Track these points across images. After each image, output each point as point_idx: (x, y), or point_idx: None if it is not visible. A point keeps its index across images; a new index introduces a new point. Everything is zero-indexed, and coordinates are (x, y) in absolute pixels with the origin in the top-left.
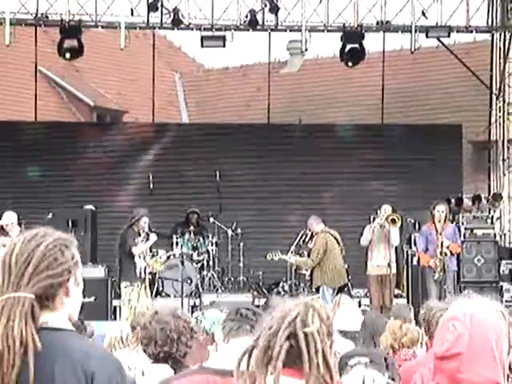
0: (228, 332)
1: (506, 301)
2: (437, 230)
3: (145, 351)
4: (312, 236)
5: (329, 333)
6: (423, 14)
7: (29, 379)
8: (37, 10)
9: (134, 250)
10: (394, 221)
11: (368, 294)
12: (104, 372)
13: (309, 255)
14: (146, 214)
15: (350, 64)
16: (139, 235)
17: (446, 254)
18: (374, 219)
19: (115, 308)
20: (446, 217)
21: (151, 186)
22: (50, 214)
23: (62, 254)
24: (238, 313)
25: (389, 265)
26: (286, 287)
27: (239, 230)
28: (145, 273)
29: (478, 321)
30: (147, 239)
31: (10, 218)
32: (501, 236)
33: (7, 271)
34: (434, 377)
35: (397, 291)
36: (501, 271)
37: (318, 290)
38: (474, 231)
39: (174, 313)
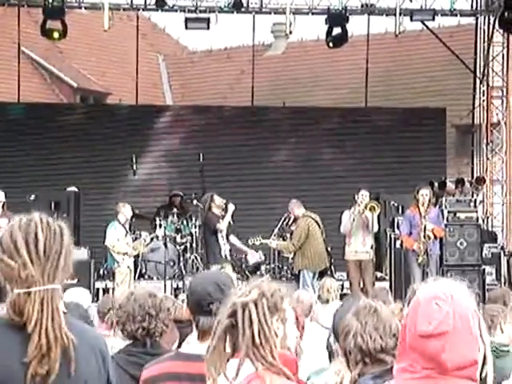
0: None
1: (488, 284)
2: (420, 214)
3: (122, 331)
4: (295, 219)
5: (272, 308)
6: None
7: (69, 369)
8: None
9: (220, 226)
10: (373, 208)
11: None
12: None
13: (291, 238)
14: (214, 192)
15: (331, 45)
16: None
17: (429, 238)
18: (351, 206)
19: (98, 290)
20: (429, 200)
21: (134, 167)
22: (33, 196)
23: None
24: None
25: (367, 250)
26: (269, 270)
27: (222, 213)
28: (230, 254)
29: (458, 300)
30: (225, 212)
31: None
32: (483, 219)
33: (37, 260)
34: (401, 358)
35: (380, 274)
36: (483, 254)
37: (299, 273)
38: (457, 214)
39: (150, 292)
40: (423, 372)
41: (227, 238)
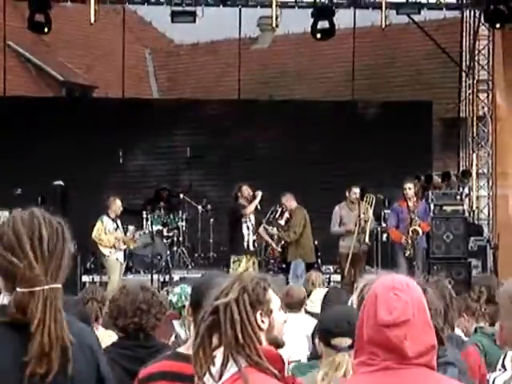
0: None
1: (474, 277)
2: (409, 208)
3: (114, 325)
4: (282, 212)
5: (255, 303)
6: None
7: (66, 369)
8: None
9: (246, 211)
10: (416, 231)
11: (339, 271)
12: (96, 343)
13: (278, 230)
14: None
15: (318, 36)
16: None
17: (417, 233)
18: (340, 201)
19: (84, 283)
20: (416, 194)
21: (121, 161)
22: (19, 190)
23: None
24: None
25: (360, 244)
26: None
27: (209, 207)
28: (254, 245)
29: (413, 289)
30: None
31: None
32: (470, 213)
33: (40, 257)
34: (359, 353)
35: (367, 267)
36: (469, 247)
37: (288, 265)
38: (444, 208)
39: (142, 285)
40: (382, 364)
41: (257, 228)
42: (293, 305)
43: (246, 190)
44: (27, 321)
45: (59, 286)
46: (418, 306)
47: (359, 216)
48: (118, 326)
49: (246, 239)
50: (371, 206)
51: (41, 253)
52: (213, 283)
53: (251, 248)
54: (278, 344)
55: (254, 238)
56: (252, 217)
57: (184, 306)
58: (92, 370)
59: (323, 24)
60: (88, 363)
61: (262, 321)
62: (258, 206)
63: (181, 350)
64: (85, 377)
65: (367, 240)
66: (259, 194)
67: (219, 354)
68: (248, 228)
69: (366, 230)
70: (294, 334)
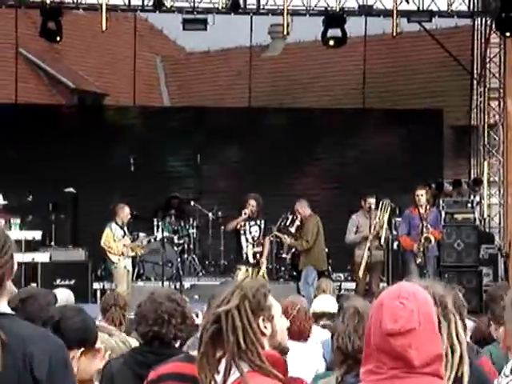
0: None
1: (485, 285)
2: (420, 215)
3: (136, 330)
4: (293, 220)
5: (256, 309)
6: None
7: None
8: None
9: (228, 226)
10: (428, 239)
11: (349, 279)
12: (43, 352)
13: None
14: (254, 197)
15: (331, 43)
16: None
17: (429, 241)
18: (352, 211)
19: (95, 291)
20: (427, 201)
21: (132, 168)
22: (30, 197)
23: (8, 237)
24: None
25: (378, 252)
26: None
27: (220, 214)
28: (254, 258)
29: (420, 298)
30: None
31: None
32: (481, 221)
33: None
34: (366, 360)
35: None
36: (480, 256)
37: (299, 272)
38: (455, 216)
39: (169, 295)
40: (389, 372)
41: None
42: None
43: (253, 206)
44: None
45: None
46: (424, 314)
47: (374, 221)
48: (139, 333)
49: (244, 251)
50: (387, 211)
51: None
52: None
53: (251, 260)
54: (282, 350)
55: (256, 249)
56: (254, 228)
57: None
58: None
59: (334, 32)
60: (19, 370)
61: (265, 326)
62: (242, 224)
63: (195, 352)
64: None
65: (382, 242)
66: (245, 211)
67: (223, 362)
68: (247, 240)
69: (380, 235)
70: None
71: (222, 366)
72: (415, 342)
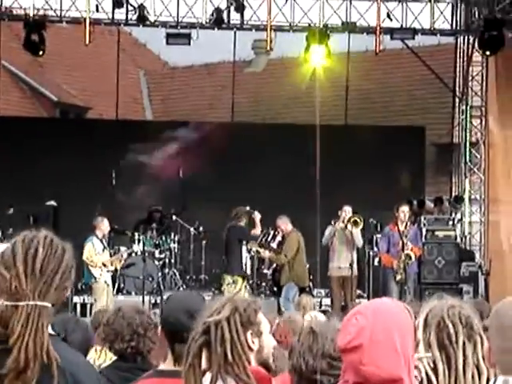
0: None
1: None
2: (400, 232)
3: (110, 348)
4: (275, 235)
5: (246, 323)
6: (388, 16)
7: None
8: (1, 3)
9: (256, 231)
10: (356, 222)
11: (330, 295)
12: (89, 379)
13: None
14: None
15: (314, 59)
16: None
17: (410, 257)
18: (335, 222)
19: (75, 304)
20: (408, 218)
21: (114, 182)
22: (11, 210)
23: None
24: None
25: (350, 266)
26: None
27: (201, 229)
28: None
29: (380, 315)
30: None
31: None
32: (462, 238)
33: (31, 274)
34: (343, 374)
35: (358, 291)
36: (461, 273)
37: (280, 288)
38: (436, 233)
39: (137, 308)
40: None
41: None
42: None
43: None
44: (8, 335)
45: (47, 304)
46: (382, 331)
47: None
48: (114, 349)
49: (244, 262)
50: (355, 224)
51: (32, 269)
52: (181, 310)
53: (243, 269)
54: (268, 366)
55: (246, 262)
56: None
57: None
58: None
59: (318, 48)
60: None
61: (253, 341)
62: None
63: (162, 367)
64: None
65: (354, 259)
66: (258, 215)
67: (208, 374)
68: (247, 250)
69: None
70: None
71: (206, 380)
72: (366, 358)
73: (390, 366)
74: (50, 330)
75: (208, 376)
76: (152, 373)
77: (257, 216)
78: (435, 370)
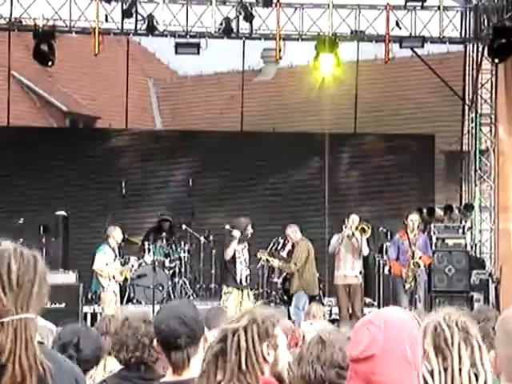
0: None
1: (473, 310)
2: (409, 240)
3: (116, 357)
4: (284, 244)
5: (263, 334)
6: (397, 24)
7: None
8: (10, 14)
9: (227, 253)
10: (363, 230)
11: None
12: (82, 378)
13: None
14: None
15: (323, 68)
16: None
17: (418, 266)
18: (342, 229)
19: (86, 314)
20: (418, 227)
21: (123, 191)
22: (22, 220)
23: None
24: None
25: (360, 274)
26: (257, 295)
27: (211, 238)
28: (246, 280)
29: (392, 324)
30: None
31: None
32: (472, 246)
33: (9, 290)
34: (348, 382)
35: (368, 300)
36: (471, 281)
37: (290, 297)
38: (446, 241)
39: (144, 318)
40: None
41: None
42: None
43: (250, 230)
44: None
45: (31, 315)
46: (393, 341)
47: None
48: (119, 359)
49: (239, 273)
50: (363, 232)
51: (9, 284)
52: (171, 317)
53: (243, 282)
54: (281, 379)
55: (247, 273)
56: (245, 251)
57: None
58: None
59: (327, 57)
60: None
61: (268, 353)
62: (237, 248)
63: (165, 379)
64: None
65: (361, 268)
66: (236, 234)
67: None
68: (241, 263)
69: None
70: None
71: None
72: (379, 368)
73: (402, 375)
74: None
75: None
76: None
77: (234, 236)
78: (431, 372)
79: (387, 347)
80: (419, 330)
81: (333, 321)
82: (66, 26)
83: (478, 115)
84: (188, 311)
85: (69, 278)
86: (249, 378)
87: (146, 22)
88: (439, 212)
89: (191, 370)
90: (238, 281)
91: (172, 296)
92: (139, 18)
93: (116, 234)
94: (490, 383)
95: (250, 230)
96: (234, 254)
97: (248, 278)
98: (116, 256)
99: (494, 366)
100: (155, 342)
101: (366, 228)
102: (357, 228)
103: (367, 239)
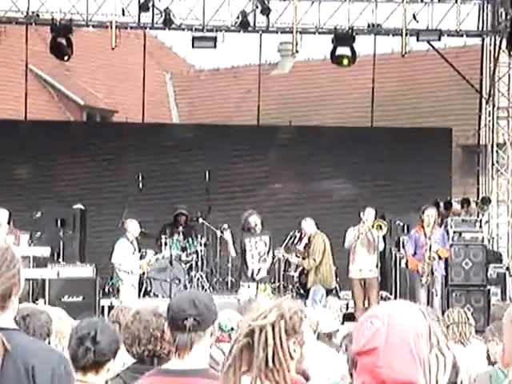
0: None
1: (493, 304)
2: (425, 234)
3: (128, 351)
4: (301, 238)
5: (290, 330)
6: (414, 17)
7: None
8: (28, 8)
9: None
10: (379, 227)
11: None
12: (45, 364)
13: (297, 256)
14: (252, 213)
15: (343, 62)
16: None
17: (434, 259)
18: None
19: (103, 307)
20: (434, 221)
21: (140, 185)
22: (39, 213)
23: (13, 254)
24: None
25: (376, 267)
26: (274, 289)
27: (228, 231)
28: (258, 272)
29: (396, 317)
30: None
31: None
32: (489, 240)
33: None
34: (357, 376)
35: (385, 293)
36: (488, 275)
37: (306, 291)
38: (463, 235)
39: (155, 311)
40: None
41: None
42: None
43: (254, 223)
44: None
45: None
46: (399, 334)
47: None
48: (132, 353)
49: (250, 267)
50: (379, 228)
51: None
52: (185, 299)
53: (255, 277)
54: (306, 377)
55: (260, 266)
56: (260, 244)
57: (233, 329)
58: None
59: (344, 50)
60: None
61: (295, 350)
62: (248, 241)
63: (166, 366)
64: None
65: (377, 262)
66: (226, 237)
67: (247, 377)
68: (252, 256)
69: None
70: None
71: (244, 382)
72: (382, 361)
73: (406, 368)
74: (11, 324)
75: (246, 378)
76: (151, 372)
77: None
78: None
79: (390, 340)
80: (426, 322)
81: (349, 314)
82: (83, 20)
83: (495, 108)
84: (202, 297)
85: (86, 271)
86: (276, 374)
87: (163, 16)
88: (456, 206)
89: (194, 356)
90: (250, 274)
91: (189, 289)
92: (156, 11)
93: (133, 228)
94: (462, 365)
95: (253, 222)
96: (245, 248)
97: (260, 270)
98: (135, 249)
99: (501, 359)
100: (166, 325)
101: (382, 225)
102: (373, 225)
103: (383, 235)
